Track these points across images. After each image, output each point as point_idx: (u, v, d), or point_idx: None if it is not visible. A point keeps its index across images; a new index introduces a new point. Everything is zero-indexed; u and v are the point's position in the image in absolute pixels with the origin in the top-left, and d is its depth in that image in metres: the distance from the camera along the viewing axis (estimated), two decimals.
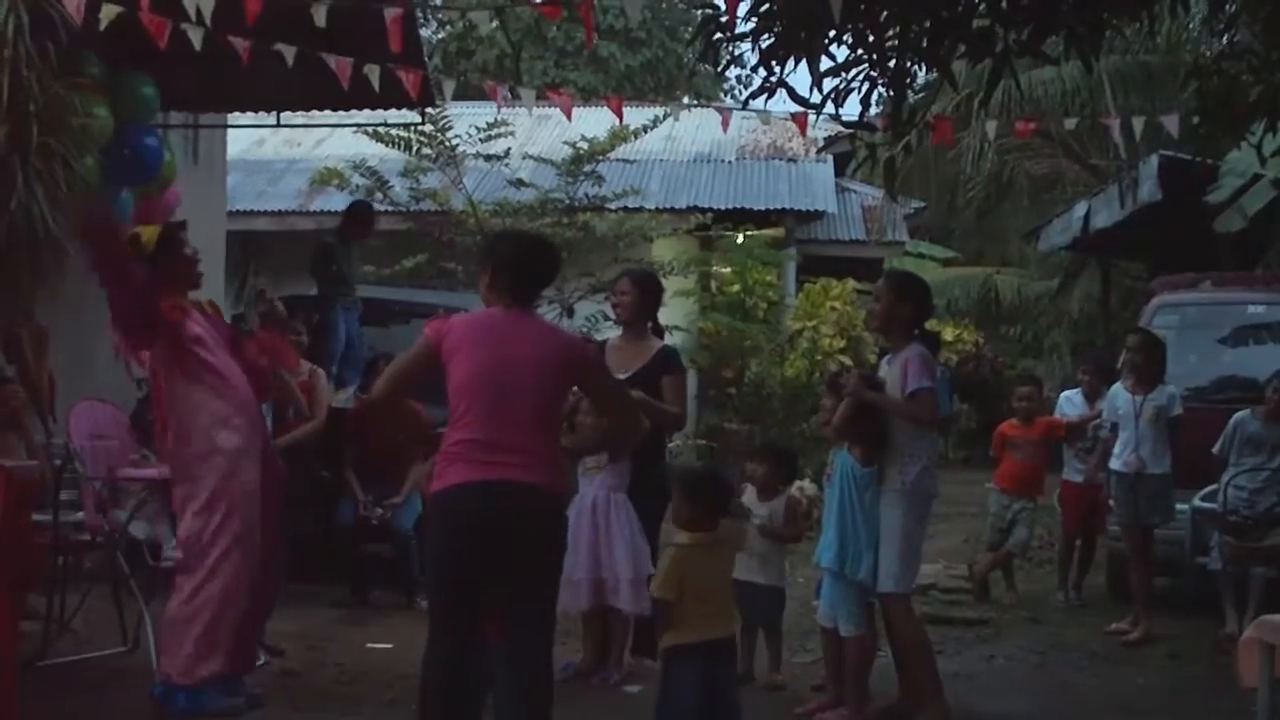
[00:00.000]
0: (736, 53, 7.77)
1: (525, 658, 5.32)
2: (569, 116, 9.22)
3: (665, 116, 16.50)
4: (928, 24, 7.16)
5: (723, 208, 18.79)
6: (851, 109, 19.09)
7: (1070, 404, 11.18)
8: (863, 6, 6.86)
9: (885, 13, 7.06)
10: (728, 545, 6.21)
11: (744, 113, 10.51)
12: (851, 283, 18.54)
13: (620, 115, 10.21)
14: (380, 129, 15.45)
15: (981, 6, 7.08)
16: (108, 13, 7.25)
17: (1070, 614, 10.32)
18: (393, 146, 15.92)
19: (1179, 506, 9.36)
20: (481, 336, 5.53)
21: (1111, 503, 9.73)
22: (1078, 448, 10.86)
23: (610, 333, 8.68)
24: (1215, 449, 9.35)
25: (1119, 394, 9.55)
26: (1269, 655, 6.18)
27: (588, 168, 16.25)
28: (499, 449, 5.28)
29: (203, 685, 6.50)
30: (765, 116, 10.06)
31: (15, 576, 6.52)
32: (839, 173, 21.78)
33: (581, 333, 13.91)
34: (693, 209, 18.48)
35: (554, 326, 6.13)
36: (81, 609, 8.07)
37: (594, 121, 16.57)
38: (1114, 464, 9.44)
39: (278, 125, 14.88)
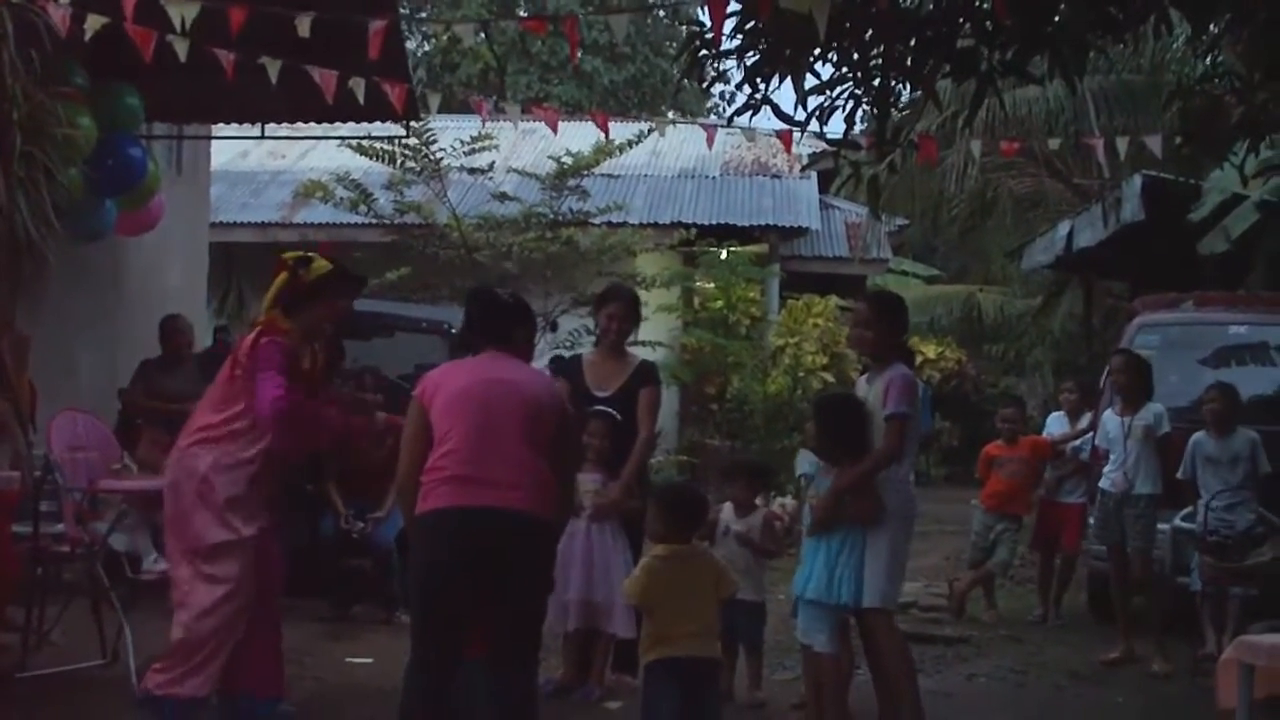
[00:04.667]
0: (721, 69, 7.76)
1: (509, 680, 5.32)
2: (555, 131, 9.23)
3: (650, 132, 16.51)
4: (912, 43, 7.17)
5: (707, 223, 18.79)
6: (836, 127, 19.16)
7: (1056, 424, 11.23)
8: (848, 25, 6.87)
9: (870, 32, 7.06)
10: (706, 564, 6.18)
11: (728, 129, 10.53)
12: (834, 300, 18.55)
13: (606, 130, 10.22)
14: (364, 142, 15.45)
15: (966, 26, 7.08)
16: (93, 23, 7.26)
17: (1051, 633, 10.32)
18: (377, 159, 15.91)
19: (1160, 526, 9.36)
20: (461, 368, 5.60)
21: (1092, 521, 9.74)
22: (1056, 466, 10.90)
23: (586, 347, 8.66)
24: (1179, 473, 9.33)
25: (1109, 418, 9.53)
26: (1248, 676, 6.19)
27: (572, 182, 16.25)
28: (485, 472, 5.27)
29: (189, 702, 6.37)
30: (750, 133, 10.06)
31: None
32: (823, 189, 21.81)
33: (564, 347, 13.94)
34: (677, 224, 18.47)
35: (536, 368, 6.15)
36: (60, 621, 8.03)
37: (578, 136, 16.58)
38: (1102, 483, 9.42)
39: (262, 137, 14.88)
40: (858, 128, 8.02)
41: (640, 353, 8.24)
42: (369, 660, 8.34)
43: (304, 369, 6.45)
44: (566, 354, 10.06)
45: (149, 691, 6.31)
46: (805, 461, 7.55)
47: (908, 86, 7.85)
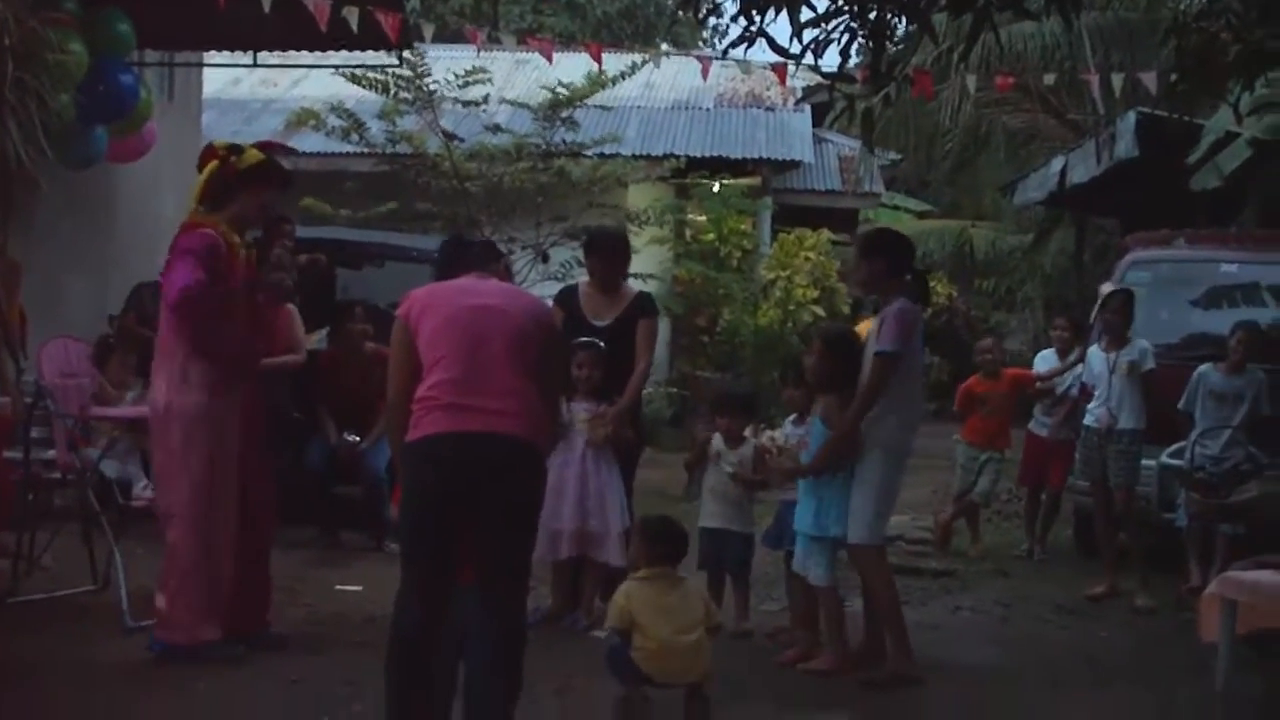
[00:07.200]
0: (716, 2, 7.71)
1: (499, 607, 5.33)
2: (550, 61, 9.18)
3: (643, 64, 16.41)
4: None
5: (699, 155, 18.70)
6: (831, 60, 19.08)
7: (1045, 363, 11.20)
8: None
9: None
10: (690, 592, 6.08)
11: (723, 61, 10.48)
12: (826, 233, 18.55)
13: (600, 61, 10.18)
14: (357, 71, 15.37)
15: None
16: None
17: (1036, 567, 10.39)
18: (371, 89, 15.84)
19: (1147, 463, 9.40)
20: (446, 291, 5.58)
21: (1077, 457, 9.79)
22: (1046, 404, 10.90)
23: (582, 275, 8.64)
24: (1180, 404, 9.41)
25: (1094, 354, 9.56)
26: (1230, 611, 6.25)
27: (565, 113, 16.17)
28: (475, 398, 5.26)
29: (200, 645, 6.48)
30: (745, 66, 10.02)
31: None
32: (817, 123, 21.71)
33: (556, 278, 13.94)
34: (669, 156, 18.38)
35: (517, 287, 6.17)
36: (51, 547, 8.06)
37: (571, 68, 16.49)
38: (1086, 419, 9.47)
39: (254, 65, 14.79)
40: (853, 61, 7.97)
41: (632, 284, 8.25)
42: (359, 588, 8.38)
43: (236, 267, 6.57)
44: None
45: (169, 643, 6.37)
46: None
47: (903, 20, 7.80)
